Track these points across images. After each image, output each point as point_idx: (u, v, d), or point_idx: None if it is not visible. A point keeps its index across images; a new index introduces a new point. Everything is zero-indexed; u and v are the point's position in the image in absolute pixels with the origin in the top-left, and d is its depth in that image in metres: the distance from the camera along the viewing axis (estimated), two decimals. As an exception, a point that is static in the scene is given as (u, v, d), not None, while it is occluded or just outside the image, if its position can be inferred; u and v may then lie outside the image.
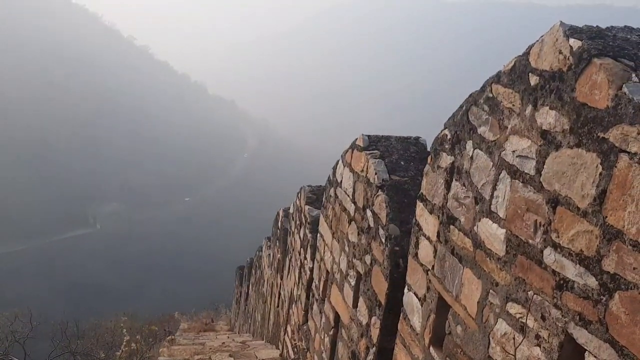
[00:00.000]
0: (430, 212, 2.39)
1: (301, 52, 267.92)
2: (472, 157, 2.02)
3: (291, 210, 6.36)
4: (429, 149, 3.42)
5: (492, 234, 1.85)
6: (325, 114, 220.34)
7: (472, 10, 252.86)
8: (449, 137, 2.23)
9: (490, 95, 1.90)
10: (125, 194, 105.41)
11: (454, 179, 2.17)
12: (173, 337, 9.78)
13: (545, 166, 1.57)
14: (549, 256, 1.53)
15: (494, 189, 1.86)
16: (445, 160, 2.26)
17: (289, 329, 5.69)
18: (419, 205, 2.53)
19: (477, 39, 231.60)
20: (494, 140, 1.87)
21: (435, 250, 2.33)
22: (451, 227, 2.18)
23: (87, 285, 74.99)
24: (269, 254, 8.62)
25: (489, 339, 1.84)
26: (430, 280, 2.37)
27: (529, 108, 1.66)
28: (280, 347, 6.11)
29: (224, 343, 7.22)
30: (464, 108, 2.11)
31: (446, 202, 2.24)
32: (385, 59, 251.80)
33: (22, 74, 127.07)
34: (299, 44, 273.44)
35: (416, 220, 2.56)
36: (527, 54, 1.70)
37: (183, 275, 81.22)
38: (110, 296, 65.59)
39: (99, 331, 18.35)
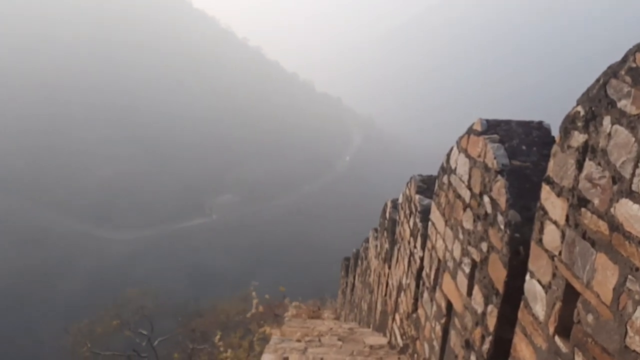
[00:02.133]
0: (558, 195, 2.26)
1: (407, 49, 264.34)
2: (609, 134, 1.88)
3: (400, 201, 6.32)
4: (553, 134, 3.26)
5: (633, 215, 1.71)
6: (433, 111, 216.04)
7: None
8: (582, 113, 2.09)
9: (634, 65, 1.75)
10: (238, 186, 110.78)
11: (587, 159, 2.03)
12: (282, 320, 10.15)
13: (701, 137, 1.42)
14: None
15: (635, 166, 1.71)
16: (577, 138, 2.12)
17: (397, 317, 5.67)
18: (545, 188, 2.40)
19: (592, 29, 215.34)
20: (637, 114, 1.73)
21: (563, 235, 2.19)
22: (582, 209, 2.04)
23: (204, 270, 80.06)
24: (376, 245, 8.63)
25: (627, 328, 1.71)
26: (556, 267, 2.24)
27: (682, 75, 1.50)
28: (387, 334, 6.11)
29: (331, 328, 7.36)
30: (600, 82, 1.97)
31: (577, 184, 2.10)
32: (493, 54, 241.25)
33: (150, 74, 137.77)
34: (405, 42, 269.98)
35: (541, 204, 2.43)
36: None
37: (291, 264, 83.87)
38: (225, 280, 69.41)
39: (215, 311, 19.56)
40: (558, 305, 2.20)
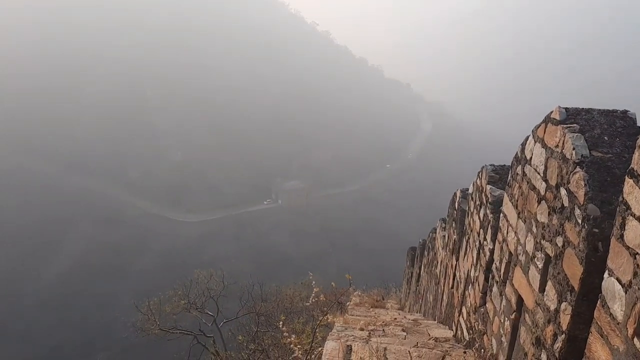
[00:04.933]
0: (643, 189, 2.13)
1: (480, 34, 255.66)
2: None
3: (470, 191, 6.16)
4: (639, 125, 3.06)
5: None
6: (507, 99, 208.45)
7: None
8: (673, 103, 1.95)
9: None
10: (306, 172, 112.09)
11: (676, 151, 1.90)
12: (346, 308, 10.21)
13: None
14: None
15: None
16: (666, 129, 1.98)
17: (464, 310, 5.56)
18: (628, 182, 2.26)
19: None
20: None
21: (647, 232, 2.07)
22: (670, 205, 1.91)
23: (270, 253, 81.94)
24: (444, 236, 8.48)
25: None
26: (638, 265, 2.11)
27: None
28: (453, 328, 6.01)
29: (395, 319, 7.32)
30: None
31: (665, 178, 1.97)
32: (574, 40, 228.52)
33: (221, 60, 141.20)
34: (479, 26, 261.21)
35: (623, 198, 2.29)
36: None
37: (356, 251, 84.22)
38: (290, 265, 70.84)
39: (279, 296, 19.99)
40: (639, 305, 2.08)
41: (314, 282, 6.63)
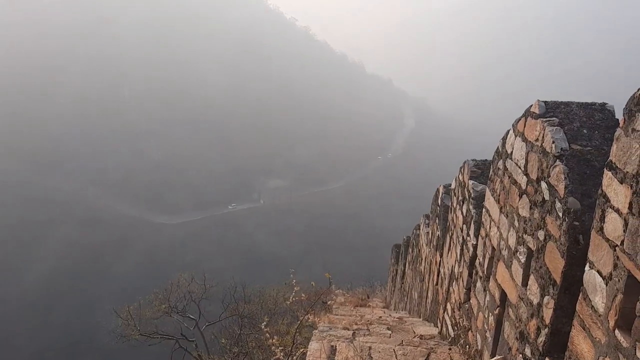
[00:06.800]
0: (621, 182, 2.12)
1: (460, 28, 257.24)
2: (681, 115, 1.74)
3: (453, 186, 6.17)
4: (617, 117, 3.07)
5: None
6: (491, 95, 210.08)
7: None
8: (649, 94, 1.95)
9: None
10: (288, 170, 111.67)
11: (654, 142, 1.90)
12: (330, 308, 10.18)
13: None
14: None
15: None
16: (644, 121, 1.98)
17: (448, 307, 5.57)
18: (607, 175, 2.26)
19: None
20: None
21: (626, 224, 2.06)
22: (648, 197, 1.91)
23: (255, 253, 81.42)
24: (427, 232, 8.49)
25: (697, 324, 1.59)
26: (618, 257, 2.12)
27: None
28: (438, 324, 6.02)
29: (380, 317, 7.32)
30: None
31: (643, 170, 1.96)
32: (549, 36, 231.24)
33: (200, 57, 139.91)
34: (457, 20, 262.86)
35: (603, 191, 2.30)
36: None
37: (341, 250, 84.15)
38: (276, 264, 70.39)
39: (263, 298, 19.86)
40: (619, 297, 2.08)
41: (294, 281, 6.55)
